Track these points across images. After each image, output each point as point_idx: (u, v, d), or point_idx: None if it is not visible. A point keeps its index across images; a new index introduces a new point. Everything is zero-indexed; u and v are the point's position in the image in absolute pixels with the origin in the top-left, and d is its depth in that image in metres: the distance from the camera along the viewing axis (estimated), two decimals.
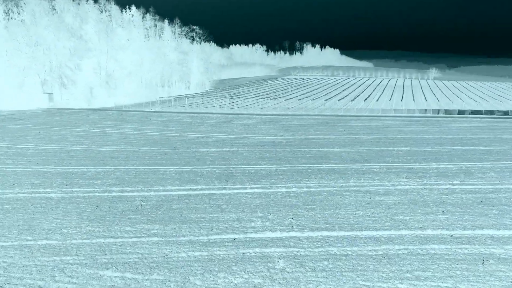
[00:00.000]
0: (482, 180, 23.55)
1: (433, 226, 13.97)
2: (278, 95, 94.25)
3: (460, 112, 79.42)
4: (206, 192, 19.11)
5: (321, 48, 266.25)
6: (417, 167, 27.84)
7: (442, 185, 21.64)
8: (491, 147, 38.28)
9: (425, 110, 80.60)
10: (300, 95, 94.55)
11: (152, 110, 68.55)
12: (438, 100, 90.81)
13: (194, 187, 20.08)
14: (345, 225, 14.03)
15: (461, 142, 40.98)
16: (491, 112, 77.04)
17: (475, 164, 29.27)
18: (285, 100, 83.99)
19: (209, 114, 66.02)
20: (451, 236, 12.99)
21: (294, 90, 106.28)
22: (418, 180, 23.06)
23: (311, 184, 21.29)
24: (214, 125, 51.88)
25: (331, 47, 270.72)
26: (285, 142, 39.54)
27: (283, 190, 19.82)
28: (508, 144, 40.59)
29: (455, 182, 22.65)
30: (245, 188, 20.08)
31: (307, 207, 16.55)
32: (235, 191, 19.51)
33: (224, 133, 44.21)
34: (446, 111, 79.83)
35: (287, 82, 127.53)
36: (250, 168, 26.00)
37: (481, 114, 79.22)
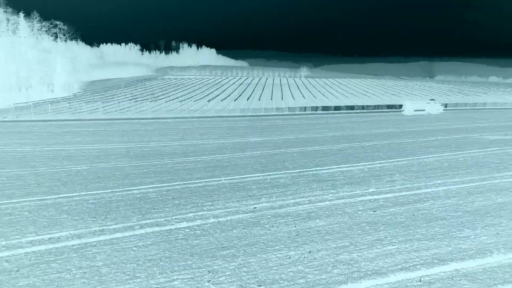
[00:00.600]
0: (394, 184, 22.05)
1: (391, 266, 10.94)
2: (158, 96, 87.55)
3: (336, 108, 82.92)
4: (75, 242, 13.45)
5: (198, 48, 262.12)
6: (322, 172, 25.60)
7: (361, 196, 19.34)
8: (375, 142, 38.60)
9: (305, 107, 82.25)
10: (181, 96, 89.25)
11: (4, 120, 56.52)
12: (315, 97, 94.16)
13: (57, 235, 14.17)
14: (285, 283, 10.14)
15: (345, 139, 40.67)
16: (363, 107, 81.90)
17: (373, 164, 28.28)
18: (166, 102, 77.96)
19: (78, 121, 56.86)
20: (421, 280, 10.07)
21: (174, 90, 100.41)
22: (333, 191, 20.47)
23: (217, 211, 17.02)
24: (85, 134, 43.93)
25: (207, 47, 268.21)
26: (170, 149, 34.52)
27: (184, 225, 15.18)
28: (386, 138, 41.51)
29: (370, 190, 20.63)
30: (133, 228, 14.89)
31: (224, 253, 12.27)
32: (119, 234, 14.23)
33: (98, 143, 37.18)
34: (324, 108, 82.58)
35: (165, 83, 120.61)
36: (135, 191, 20.65)
37: (353, 109, 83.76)
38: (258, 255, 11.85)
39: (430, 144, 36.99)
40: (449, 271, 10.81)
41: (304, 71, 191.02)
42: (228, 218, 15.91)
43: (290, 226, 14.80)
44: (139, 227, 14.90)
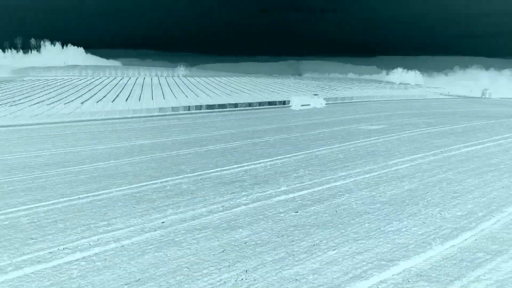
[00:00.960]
0: (303, 180, 21.39)
1: (342, 276, 9.66)
2: (19, 100, 76.06)
3: (221, 106, 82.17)
4: None
5: (63, 47, 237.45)
6: (224, 173, 23.92)
7: (276, 196, 18.09)
8: (266, 138, 38.37)
9: (189, 107, 79.77)
10: (48, 98, 79.07)
11: None
12: (198, 96, 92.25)
13: None
14: None
15: (236, 136, 39.62)
16: (249, 104, 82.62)
17: (273, 161, 27.61)
18: (29, 106, 67.90)
19: None
20: None
21: (39, 93, 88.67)
22: (244, 193, 18.87)
23: (117, 232, 14.03)
24: None
25: (74, 45, 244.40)
26: (42, 160, 29.32)
27: (78, 256, 11.93)
28: (276, 133, 41.57)
29: (282, 189, 19.54)
30: (4, 271, 11.13)
31: None
32: None
33: None
34: (209, 106, 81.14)
35: (27, 84, 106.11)
36: (1, 217, 16.29)
37: (237, 107, 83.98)
38: (186, 285, 9.52)
39: (317, 137, 37.94)
40: (401, 272, 9.99)
41: (181, 70, 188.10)
42: (134, 239, 13.07)
43: (212, 240, 12.66)
44: (13, 268, 11.22)
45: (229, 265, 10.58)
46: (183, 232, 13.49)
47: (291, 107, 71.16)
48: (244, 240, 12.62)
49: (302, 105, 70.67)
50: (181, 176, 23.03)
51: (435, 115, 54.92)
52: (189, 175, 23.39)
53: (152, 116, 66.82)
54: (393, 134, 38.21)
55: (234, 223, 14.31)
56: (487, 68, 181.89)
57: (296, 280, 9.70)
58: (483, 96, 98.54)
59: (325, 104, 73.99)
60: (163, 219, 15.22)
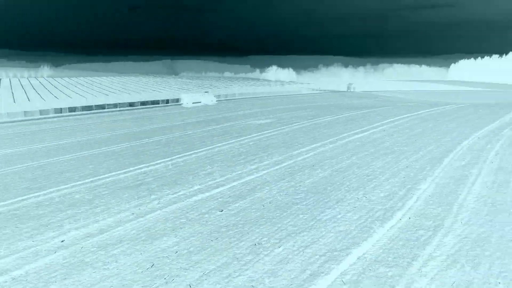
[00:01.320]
0: (214, 176, 20.09)
1: (300, 274, 8.64)
2: None
3: (99, 107, 75.98)
4: None
5: None
6: (122, 177, 21.48)
7: (192, 196, 16.47)
8: (156, 138, 36.18)
9: (61, 109, 71.83)
10: None
11: None
12: (70, 97, 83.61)
13: None
14: None
15: (122, 138, 36.40)
16: (130, 104, 77.91)
17: (175, 159, 25.87)
18: None
19: None
20: (344, 282, 8.15)
21: None
22: (154, 196, 16.84)
23: (5, 261, 11.01)
24: None
25: None
26: None
27: None
28: (166, 133, 39.39)
29: (196, 188, 17.98)
30: None
31: None
32: None
33: None
34: (85, 108, 74.25)
35: None
36: None
37: (117, 107, 78.73)
38: None
39: (212, 133, 36.94)
40: (357, 261, 9.39)
41: (45, 70, 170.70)
42: (28, 268, 10.26)
43: (134, 255, 10.58)
44: None
45: (166, 282, 8.79)
46: (93, 249, 11.09)
47: (182, 105, 69.35)
48: (173, 249, 10.83)
49: (193, 103, 69.39)
50: (69, 185, 19.82)
51: (314, 108, 58.17)
52: (79, 182, 20.29)
53: (16, 121, 58.43)
54: (284, 127, 39.02)
55: (155, 231, 12.34)
56: (346, 66, 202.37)
57: (252, 286, 8.42)
58: (349, 90, 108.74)
59: (216, 101, 73.73)
60: (61, 237, 12.47)
